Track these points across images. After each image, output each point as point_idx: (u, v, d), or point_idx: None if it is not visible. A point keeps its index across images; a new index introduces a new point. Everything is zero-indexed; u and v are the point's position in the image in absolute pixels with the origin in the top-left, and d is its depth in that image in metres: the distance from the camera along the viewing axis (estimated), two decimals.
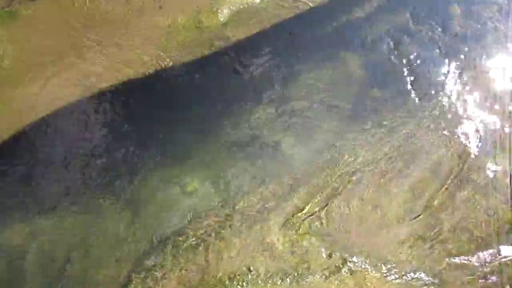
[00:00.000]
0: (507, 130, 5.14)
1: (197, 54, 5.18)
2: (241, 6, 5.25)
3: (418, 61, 5.71)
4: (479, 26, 5.90)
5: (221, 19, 5.20)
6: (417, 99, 5.39)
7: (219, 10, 5.24)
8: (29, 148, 4.94)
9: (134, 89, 5.22)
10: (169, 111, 5.45)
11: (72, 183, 4.86)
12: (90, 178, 4.91)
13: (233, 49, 5.26)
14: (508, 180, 4.86)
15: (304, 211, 4.70)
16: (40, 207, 4.69)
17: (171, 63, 5.18)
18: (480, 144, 5.10)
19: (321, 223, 4.64)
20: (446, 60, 5.67)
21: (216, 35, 5.21)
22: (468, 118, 5.25)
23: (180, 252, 4.56)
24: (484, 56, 5.66)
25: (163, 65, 5.15)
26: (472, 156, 5.02)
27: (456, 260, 4.52)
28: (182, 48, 5.19)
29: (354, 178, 4.88)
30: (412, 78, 5.60)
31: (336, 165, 4.99)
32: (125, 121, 5.28)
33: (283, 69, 5.70)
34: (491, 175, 4.90)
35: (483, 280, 4.47)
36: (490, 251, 4.59)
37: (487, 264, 4.52)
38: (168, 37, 5.19)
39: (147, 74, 5.20)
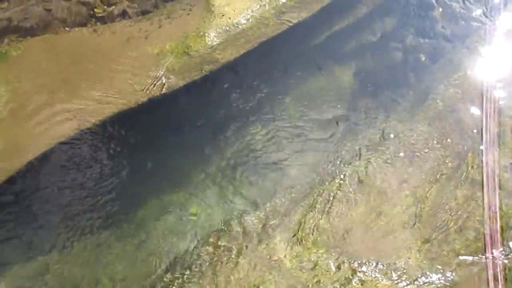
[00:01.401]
0: (501, 125, 5.18)
1: (187, 79, 5.20)
2: (228, 28, 5.30)
3: (406, 67, 5.80)
4: (462, 28, 6.02)
5: (209, 43, 5.24)
6: (409, 105, 5.44)
7: (206, 34, 5.30)
8: (28, 187, 4.93)
9: (129, 119, 5.23)
10: (166, 138, 5.48)
11: (75, 218, 4.85)
12: (93, 212, 4.91)
13: (223, 71, 5.31)
14: (507, 175, 4.88)
15: (309, 225, 4.69)
16: (42, 244, 4.67)
17: (162, 91, 5.20)
18: (477, 142, 5.12)
19: (327, 235, 4.62)
20: (433, 64, 5.76)
21: (205, 59, 5.25)
22: (462, 116, 5.28)
23: (188, 276, 4.52)
24: (470, 57, 5.73)
25: (155, 93, 5.16)
26: (470, 154, 5.04)
27: (465, 259, 4.50)
28: (172, 75, 5.22)
29: (354, 187, 4.88)
30: (401, 85, 5.67)
31: (335, 177, 5.00)
32: (123, 152, 5.30)
33: (274, 86, 5.78)
34: (491, 171, 4.91)
35: (494, 277, 4.45)
36: (498, 247, 4.57)
37: (496, 260, 4.50)
38: (157, 65, 5.22)
39: (140, 103, 5.21)
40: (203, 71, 5.28)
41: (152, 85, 5.20)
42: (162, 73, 5.24)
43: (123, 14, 5.83)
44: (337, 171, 5.08)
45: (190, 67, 5.26)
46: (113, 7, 5.86)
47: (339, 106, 5.98)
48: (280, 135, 5.66)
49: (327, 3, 5.59)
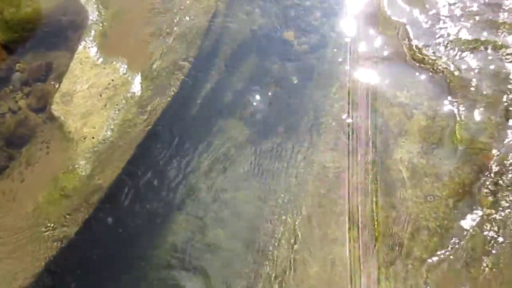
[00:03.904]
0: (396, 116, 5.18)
1: (78, 220, 4.63)
2: (95, 149, 4.82)
3: (285, 97, 5.69)
4: (317, 42, 6.07)
5: (83, 173, 4.72)
6: (307, 136, 5.30)
7: (76, 165, 4.76)
8: None
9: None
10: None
11: None
12: None
13: (110, 192, 4.79)
14: (424, 160, 4.84)
15: None
16: None
17: (56, 243, 4.59)
18: (383, 144, 5.06)
19: None
20: (308, 84, 5.72)
21: (87, 190, 4.71)
22: (358, 126, 5.21)
23: None
24: (336, 66, 5.77)
25: (48, 253, 4.54)
26: (386, 157, 4.95)
27: (431, 261, 4.34)
28: (60, 222, 4.63)
29: (297, 246, 4.56)
30: (290, 116, 5.54)
31: (273, 245, 4.67)
32: None
33: (170, 176, 5.36)
34: (409, 163, 4.84)
35: (464, 262, 4.33)
36: (453, 232, 4.47)
37: (457, 246, 4.40)
38: (39, 223, 4.60)
39: (40, 270, 4.55)
40: (90, 203, 4.72)
41: (43, 246, 4.55)
42: (48, 227, 4.62)
43: None
44: (271, 239, 4.74)
45: (74, 206, 4.68)
46: None
47: (245, 159, 5.70)
48: (205, 216, 5.25)
49: (182, 78, 5.33)
